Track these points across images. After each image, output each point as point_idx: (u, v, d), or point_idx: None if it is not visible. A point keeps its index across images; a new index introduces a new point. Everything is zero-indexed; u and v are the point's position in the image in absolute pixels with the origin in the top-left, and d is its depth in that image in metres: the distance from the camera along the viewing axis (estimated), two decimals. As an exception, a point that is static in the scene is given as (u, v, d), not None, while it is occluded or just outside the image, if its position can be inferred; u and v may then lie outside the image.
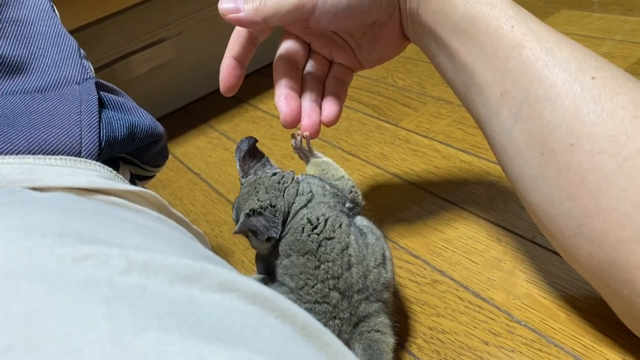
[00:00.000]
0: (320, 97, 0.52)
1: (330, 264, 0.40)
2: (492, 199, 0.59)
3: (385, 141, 0.76)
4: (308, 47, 0.53)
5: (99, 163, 0.38)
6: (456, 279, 0.51)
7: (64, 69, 0.47)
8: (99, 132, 0.41)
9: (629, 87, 0.35)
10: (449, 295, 0.49)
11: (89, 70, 0.49)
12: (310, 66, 0.53)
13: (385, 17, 0.47)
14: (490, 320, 0.46)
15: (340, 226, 0.42)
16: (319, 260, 0.40)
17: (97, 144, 0.40)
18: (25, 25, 0.48)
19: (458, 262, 0.53)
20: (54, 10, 0.53)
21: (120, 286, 0.19)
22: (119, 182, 0.37)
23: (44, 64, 0.47)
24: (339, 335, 0.40)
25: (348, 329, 0.40)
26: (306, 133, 0.49)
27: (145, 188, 0.39)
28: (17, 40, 0.47)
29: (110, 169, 0.38)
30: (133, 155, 0.49)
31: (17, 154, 0.35)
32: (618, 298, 0.37)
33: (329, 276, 0.40)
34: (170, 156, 0.89)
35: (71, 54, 0.49)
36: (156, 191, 0.40)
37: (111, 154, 0.43)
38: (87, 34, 0.89)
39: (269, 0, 0.45)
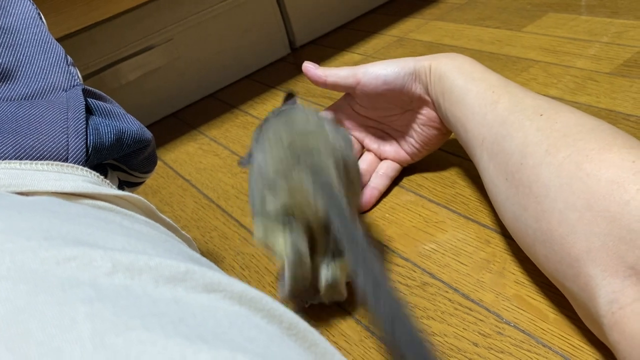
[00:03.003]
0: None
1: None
2: (481, 201, 0.59)
3: (375, 145, 0.76)
4: (362, 147, 0.69)
5: (85, 168, 0.38)
6: (445, 281, 0.51)
7: (50, 76, 0.47)
8: (86, 138, 0.41)
9: (568, 117, 0.44)
10: (438, 298, 0.50)
11: (76, 77, 0.49)
12: (360, 161, 0.68)
13: (418, 100, 0.62)
14: (480, 321, 0.46)
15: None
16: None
17: (84, 150, 0.40)
18: (11, 33, 0.48)
19: (447, 264, 0.53)
20: (40, 18, 0.53)
21: (104, 287, 0.19)
22: (106, 187, 0.37)
23: (30, 71, 0.47)
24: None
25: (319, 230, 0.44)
26: None
27: (134, 194, 0.39)
28: (3, 47, 0.47)
29: (97, 174, 0.38)
30: (121, 162, 0.49)
31: (3, 160, 0.35)
32: (572, 297, 0.41)
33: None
34: (160, 162, 0.89)
35: (58, 61, 0.49)
36: (146, 197, 0.40)
37: (99, 160, 0.43)
38: (75, 42, 0.89)
39: (332, 68, 0.64)
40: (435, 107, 0.60)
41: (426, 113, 0.62)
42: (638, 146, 0.39)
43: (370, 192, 0.65)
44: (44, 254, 0.20)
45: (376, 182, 0.65)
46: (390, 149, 0.67)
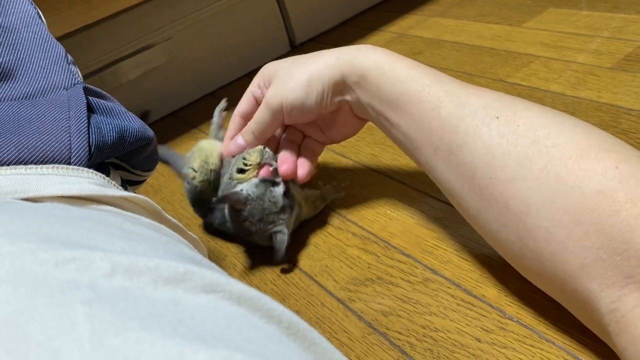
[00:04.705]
0: (296, 154, 0.63)
1: None
2: (483, 197, 0.59)
3: (376, 142, 0.76)
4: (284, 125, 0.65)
5: (91, 170, 0.38)
6: (448, 277, 0.51)
7: (51, 75, 0.47)
8: (88, 137, 0.41)
9: (528, 116, 0.41)
10: (441, 294, 0.50)
11: (76, 76, 0.49)
12: (286, 134, 0.65)
13: (336, 108, 0.57)
14: (483, 317, 0.46)
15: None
16: None
17: (87, 148, 0.40)
18: (10, 32, 0.48)
19: (450, 260, 0.53)
20: (40, 17, 0.53)
21: (103, 289, 0.19)
22: (112, 189, 0.37)
23: (31, 71, 0.47)
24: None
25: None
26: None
27: (137, 194, 0.39)
28: (3, 47, 0.47)
29: (103, 175, 0.38)
30: (123, 160, 0.49)
31: (7, 162, 0.35)
32: (573, 307, 0.40)
33: None
34: (161, 161, 0.88)
35: (58, 60, 0.49)
36: (147, 196, 0.40)
37: (101, 158, 0.43)
38: (75, 41, 0.89)
39: (256, 126, 0.60)
40: (354, 108, 0.57)
41: (343, 115, 0.59)
42: (615, 146, 0.37)
43: (305, 163, 0.62)
44: (43, 256, 0.20)
45: (305, 153, 0.63)
46: (312, 130, 0.64)
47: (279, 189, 0.58)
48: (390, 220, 0.61)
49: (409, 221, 0.59)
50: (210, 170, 0.64)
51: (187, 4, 1.01)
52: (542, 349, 0.42)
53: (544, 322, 0.44)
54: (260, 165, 0.60)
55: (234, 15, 1.07)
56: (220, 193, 0.62)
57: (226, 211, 0.59)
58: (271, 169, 0.61)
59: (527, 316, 0.45)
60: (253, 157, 0.60)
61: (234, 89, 1.08)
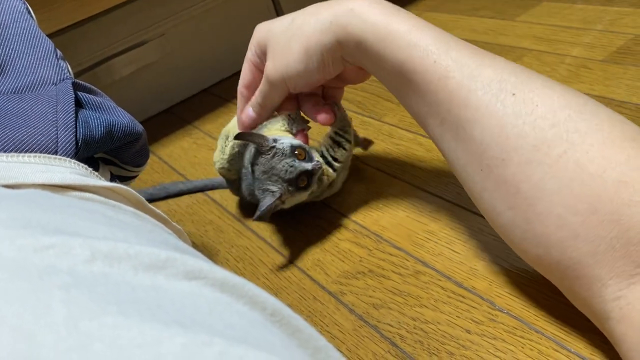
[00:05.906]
0: (322, 101, 0.60)
1: None
2: (475, 190, 0.59)
3: (369, 136, 0.76)
4: None
5: (73, 160, 0.38)
6: (438, 269, 0.51)
7: (40, 70, 0.47)
8: (76, 131, 0.41)
9: (548, 95, 0.38)
10: (431, 286, 0.50)
11: (65, 71, 0.49)
12: None
13: (342, 68, 0.54)
14: (473, 309, 0.46)
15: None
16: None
17: (74, 142, 0.40)
18: (-1, 28, 0.48)
19: (440, 253, 0.53)
20: (29, 13, 0.53)
21: (82, 274, 0.19)
22: (94, 179, 0.37)
23: (19, 66, 0.47)
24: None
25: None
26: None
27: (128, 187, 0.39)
28: (-9, 42, 0.47)
29: (86, 166, 0.38)
30: (113, 155, 0.49)
31: None
32: (571, 292, 0.39)
33: None
34: (155, 157, 0.88)
35: (47, 55, 0.49)
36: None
37: (89, 153, 0.43)
38: (68, 37, 0.89)
39: (262, 100, 0.58)
40: (360, 66, 0.53)
41: (352, 70, 0.57)
42: (639, 135, 0.36)
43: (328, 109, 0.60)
44: (21, 242, 0.20)
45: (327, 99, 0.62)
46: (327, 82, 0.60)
47: (306, 165, 0.55)
48: (382, 213, 0.61)
49: (401, 215, 0.59)
50: (228, 160, 0.64)
51: (180, 0, 1.01)
52: (531, 339, 0.42)
53: (533, 313, 0.44)
54: (295, 134, 0.60)
55: (228, 11, 1.07)
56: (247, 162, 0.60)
57: (252, 148, 0.58)
58: (306, 132, 0.61)
59: (516, 307, 0.45)
60: (277, 125, 0.60)
61: (229, 85, 1.08)
